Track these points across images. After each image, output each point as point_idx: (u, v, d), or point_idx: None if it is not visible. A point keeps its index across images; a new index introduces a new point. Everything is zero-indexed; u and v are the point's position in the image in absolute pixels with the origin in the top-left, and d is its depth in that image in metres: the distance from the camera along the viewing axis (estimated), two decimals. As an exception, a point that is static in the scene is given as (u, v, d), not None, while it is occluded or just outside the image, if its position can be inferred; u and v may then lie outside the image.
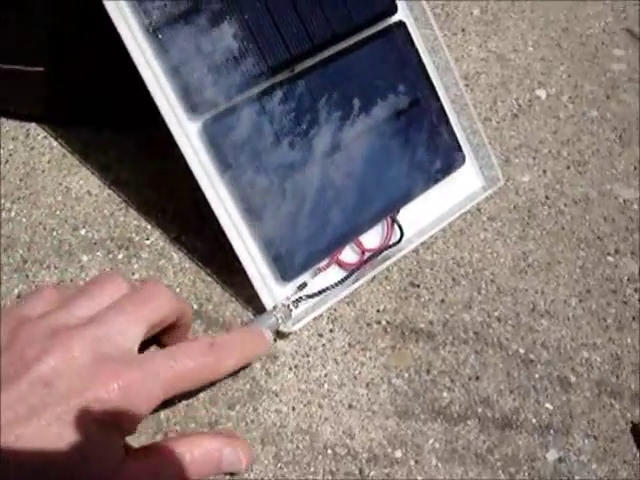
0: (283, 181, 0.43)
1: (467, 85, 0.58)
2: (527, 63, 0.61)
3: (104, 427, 0.27)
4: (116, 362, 0.28)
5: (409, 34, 0.48)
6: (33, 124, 0.54)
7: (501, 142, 0.55)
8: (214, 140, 0.41)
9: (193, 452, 0.33)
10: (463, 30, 0.63)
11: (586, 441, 0.43)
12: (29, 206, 0.50)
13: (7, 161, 0.52)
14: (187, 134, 0.41)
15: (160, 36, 0.40)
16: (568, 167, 0.54)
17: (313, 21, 0.44)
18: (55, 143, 0.53)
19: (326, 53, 0.45)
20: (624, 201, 0.53)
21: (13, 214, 0.50)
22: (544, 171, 0.54)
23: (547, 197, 0.52)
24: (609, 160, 0.55)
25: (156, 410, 0.33)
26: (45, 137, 0.54)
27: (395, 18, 0.48)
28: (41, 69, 0.50)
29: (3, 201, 0.50)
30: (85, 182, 0.51)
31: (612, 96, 0.59)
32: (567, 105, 0.58)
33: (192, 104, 0.41)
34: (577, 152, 0.55)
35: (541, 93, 0.59)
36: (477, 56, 0.61)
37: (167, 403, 0.39)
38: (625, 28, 0.65)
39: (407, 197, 0.47)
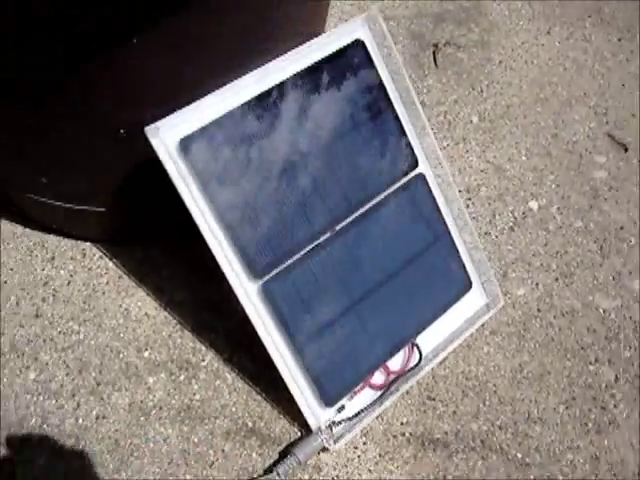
0: (341, 327, 0.51)
1: (469, 199, 0.66)
2: (521, 173, 0.69)
3: None
4: None
5: (428, 184, 0.56)
6: (88, 243, 0.61)
7: (499, 257, 0.64)
8: (273, 299, 0.49)
9: None
10: (464, 139, 0.71)
11: (570, 529, 0.53)
12: (95, 329, 0.57)
13: (69, 282, 0.59)
14: (248, 293, 0.48)
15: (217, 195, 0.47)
16: (557, 279, 0.63)
17: (349, 182, 0.52)
18: (111, 264, 0.60)
19: (361, 210, 0.53)
20: (604, 311, 0.62)
21: (82, 337, 0.57)
22: (536, 284, 0.63)
23: (539, 310, 0.61)
24: (591, 271, 0.64)
25: None
26: (101, 257, 0.60)
27: (416, 171, 0.55)
28: (103, 209, 0.56)
29: (71, 324, 0.57)
30: (142, 304, 0.58)
31: (594, 205, 0.68)
32: (556, 216, 0.67)
33: (252, 267, 0.48)
34: (564, 264, 0.64)
35: (533, 205, 0.67)
36: (477, 167, 0.69)
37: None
38: (607, 132, 0.73)
39: (427, 323, 0.56)
